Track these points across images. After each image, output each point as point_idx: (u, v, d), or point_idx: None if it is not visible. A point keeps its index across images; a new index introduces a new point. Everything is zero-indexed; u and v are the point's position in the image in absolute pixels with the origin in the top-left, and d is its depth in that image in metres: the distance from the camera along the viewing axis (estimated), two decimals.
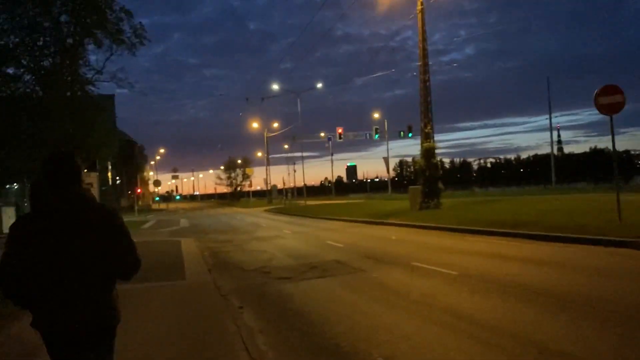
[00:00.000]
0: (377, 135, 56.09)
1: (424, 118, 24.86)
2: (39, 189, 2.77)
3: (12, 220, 31.32)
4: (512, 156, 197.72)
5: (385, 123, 65.52)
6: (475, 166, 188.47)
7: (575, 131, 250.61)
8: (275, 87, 48.63)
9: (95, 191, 28.01)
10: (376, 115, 69.41)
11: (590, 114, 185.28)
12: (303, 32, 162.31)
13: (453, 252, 12.46)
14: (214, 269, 12.63)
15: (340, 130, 55.64)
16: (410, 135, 54.81)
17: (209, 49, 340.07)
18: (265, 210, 51.85)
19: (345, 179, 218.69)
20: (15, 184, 57.70)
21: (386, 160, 76.71)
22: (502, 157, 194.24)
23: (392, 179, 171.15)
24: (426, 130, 24.73)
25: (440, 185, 24.42)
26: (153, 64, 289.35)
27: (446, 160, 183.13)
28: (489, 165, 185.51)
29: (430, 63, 23.87)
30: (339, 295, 8.43)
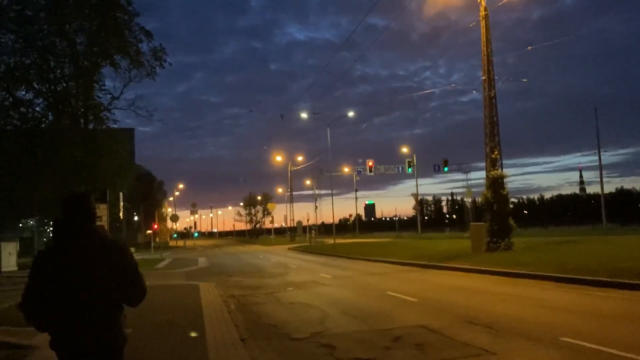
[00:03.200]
0: (410, 169, 52.32)
1: (490, 142, 20.95)
2: (60, 225, 3.12)
3: (13, 257, 27.89)
4: (534, 196, 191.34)
5: (414, 157, 61.87)
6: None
7: (596, 172, 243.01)
8: (303, 115, 45.35)
9: (105, 222, 25.23)
10: (404, 150, 65.83)
11: (612, 155, 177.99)
12: (321, 73, 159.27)
13: (605, 316, 8.46)
14: (248, 334, 8.77)
15: (370, 163, 51.93)
16: (446, 169, 50.91)
17: (230, 88, 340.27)
18: (290, 249, 47.88)
19: (364, 217, 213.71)
20: (30, 220, 54.89)
21: (415, 196, 72.85)
22: (524, 197, 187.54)
23: (413, 218, 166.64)
24: (493, 156, 20.76)
25: (512, 221, 20.29)
26: (176, 103, 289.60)
27: (467, 199, 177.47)
28: (511, 205, 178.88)
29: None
30: None
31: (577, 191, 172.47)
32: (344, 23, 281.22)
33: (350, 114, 46.84)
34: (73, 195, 3.22)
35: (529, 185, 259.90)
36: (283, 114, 41.11)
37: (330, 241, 54.86)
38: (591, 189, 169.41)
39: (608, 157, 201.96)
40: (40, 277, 3.00)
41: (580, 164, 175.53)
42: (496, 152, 20.74)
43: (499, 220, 20.02)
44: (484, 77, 21.10)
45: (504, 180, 20.59)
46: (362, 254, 28.84)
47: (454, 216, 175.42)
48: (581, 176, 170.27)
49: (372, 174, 52.90)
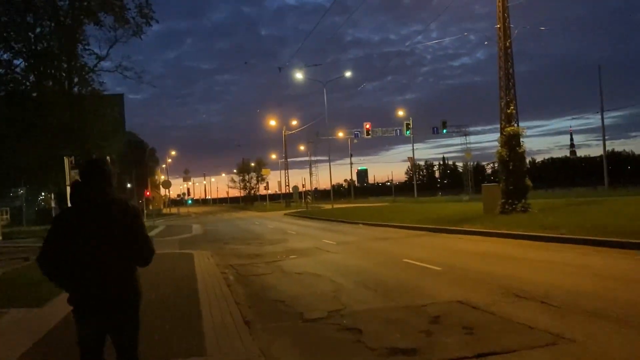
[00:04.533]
0: (408, 131, 50.63)
1: (505, 96, 19.31)
2: (77, 188, 3.26)
3: None
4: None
5: (411, 121, 60.09)
6: (489, 170, 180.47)
7: (586, 135, 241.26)
8: (299, 75, 43.28)
9: None
10: (400, 114, 63.99)
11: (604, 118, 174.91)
12: (308, 37, 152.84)
13: None
14: (252, 314, 7.37)
15: (368, 126, 50.18)
16: (445, 131, 49.34)
17: (221, 54, 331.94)
18: (286, 215, 46.57)
19: (356, 183, 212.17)
20: (20, 190, 53.19)
21: (411, 160, 71.63)
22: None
23: (405, 182, 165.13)
24: (508, 111, 19.15)
25: (528, 181, 18.85)
26: (166, 70, 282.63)
27: (459, 164, 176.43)
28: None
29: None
30: None
31: (568, 154, 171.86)
32: None
33: (348, 73, 44.73)
34: (90, 161, 3.39)
35: None
36: (281, 67, 38.86)
37: (326, 206, 53.65)
38: (581, 152, 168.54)
39: (598, 120, 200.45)
40: (58, 236, 3.16)
41: (570, 127, 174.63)
42: (512, 107, 19.11)
43: (514, 180, 18.58)
44: (498, 26, 19.31)
45: (520, 137, 19.05)
46: (362, 219, 27.56)
47: (445, 181, 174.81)
48: (572, 139, 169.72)
49: (369, 137, 51.26)
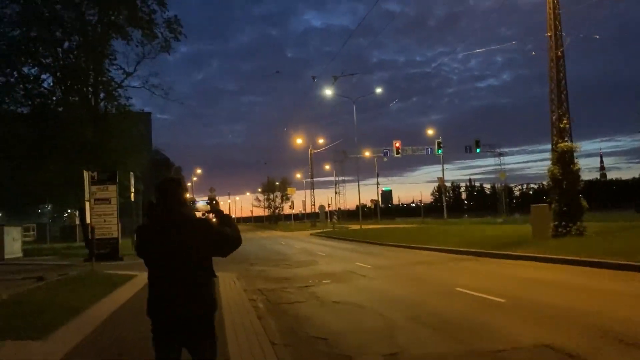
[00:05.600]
0: (440, 150, 49.09)
1: (557, 109, 17.75)
2: (154, 206, 3.37)
3: (18, 242, 25.53)
4: None
5: (440, 139, 58.55)
6: (517, 192, 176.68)
7: (617, 157, 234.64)
8: (328, 92, 42.25)
9: (114, 204, 23.40)
10: (430, 132, 62.56)
11: (633, 140, 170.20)
12: (333, 59, 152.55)
13: None
14: (290, 357, 6.02)
15: (397, 144, 48.76)
16: (478, 150, 47.67)
17: (246, 75, 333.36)
18: (312, 235, 45.24)
19: (380, 203, 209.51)
20: (47, 206, 53.05)
21: (441, 180, 69.84)
22: (545, 182, 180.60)
23: (431, 204, 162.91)
24: (561, 126, 17.58)
25: (584, 202, 17.20)
26: (192, 91, 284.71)
27: (487, 185, 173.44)
28: (531, 192, 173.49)
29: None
30: None
31: (598, 177, 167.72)
32: (361, 9, 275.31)
33: (379, 90, 43.52)
34: (164, 180, 3.47)
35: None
36: (315, 76, 37.92)
37: (353, 227, 52.19)
38: (611, 175, 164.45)
39: (628, 142, 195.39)
40: (142, 246, 3.35)
41: (600, 149, 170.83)
42: (565, 121, 17.54)
43: (568, 201, 16.94)
44: (549, 34, 17.85)
45: (574, 154, 17.42)
46: (394, 240, 26.07)
47: (472, 203, 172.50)
48: (602, 162, 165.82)
49: (399, 155, 49.80)
